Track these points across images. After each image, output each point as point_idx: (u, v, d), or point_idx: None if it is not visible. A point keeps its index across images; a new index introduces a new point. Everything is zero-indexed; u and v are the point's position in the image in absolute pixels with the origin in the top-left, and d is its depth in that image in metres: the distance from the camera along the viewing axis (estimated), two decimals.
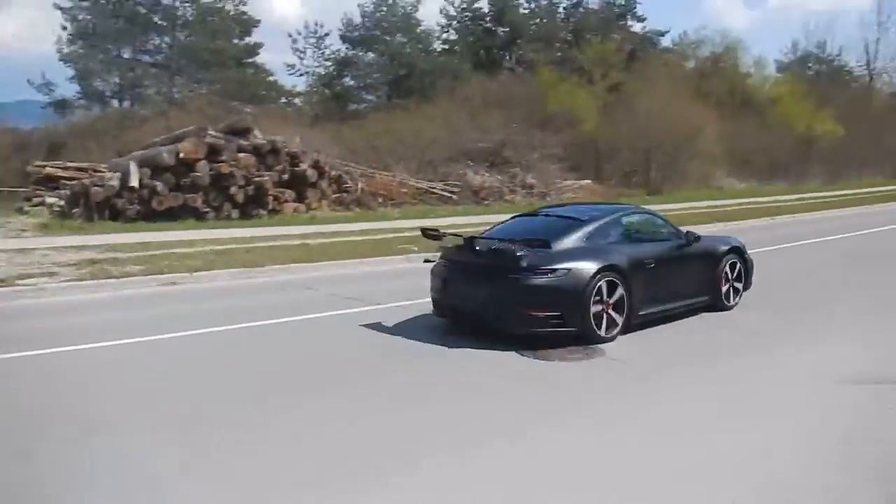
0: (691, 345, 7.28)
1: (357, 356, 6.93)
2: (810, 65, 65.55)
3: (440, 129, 29.99)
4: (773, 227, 20.60)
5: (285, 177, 21.24)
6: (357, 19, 46.25)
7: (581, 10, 54.26)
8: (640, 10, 54.74)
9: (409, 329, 7.84)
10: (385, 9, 46.40)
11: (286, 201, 21.12)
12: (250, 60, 42.70)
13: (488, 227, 9.16)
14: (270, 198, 20.48)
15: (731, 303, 8.77)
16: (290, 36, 46.89)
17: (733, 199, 30.61)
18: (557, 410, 5.27)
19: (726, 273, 8.68)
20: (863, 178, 49.15)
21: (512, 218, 9.22)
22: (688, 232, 8.57)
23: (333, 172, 23.68)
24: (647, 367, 6.38)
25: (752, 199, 30.20)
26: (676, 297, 8.07)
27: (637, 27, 54.78)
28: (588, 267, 6.90)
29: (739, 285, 8.89)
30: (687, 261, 8.30)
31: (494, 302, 6.92)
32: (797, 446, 4.51)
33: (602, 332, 6.98)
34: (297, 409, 5.31)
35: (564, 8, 55.09)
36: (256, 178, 20.21)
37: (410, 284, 10.26)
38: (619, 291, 7.09)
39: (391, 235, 16.15)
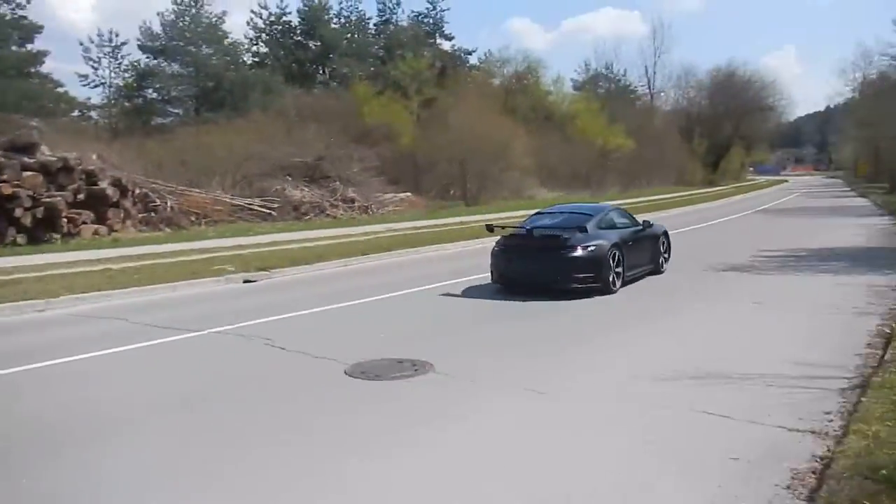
0: (510, 362, 7.19)
1: (169, 391, 6.08)
2: (601, 84, 71.68)
3: (255, 144, 28.64)
4: None
5: (81, 196, 19.00)
6: (157, 28, 43.26)
7: (391, 26, 55.05)
8: (447, 30, 56.83)
9: (232, 356, 7.23)
10: (188, 19, 43.81)
11: (84, 223, 18.87)
12: (34, 70, 38.20)
13: (523, 220, 12.49)
14: (65, 220, 18.20)
15: (663, 269, 12.34)
16: (82, 44, 43.04)
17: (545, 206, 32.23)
18: (396, 428, 4.91)
19: (660, 248, 12.36)
20: (653, 187, 54.48)
21: (535, 214, 12.45)
22: (644, 220, 12.13)
23: (138, 190, 21.65)
24: (470, 381, 6.18)
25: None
26: (640, 265, 11.48)
27: (446, 45, 56.78)
28: (606, 244, 10.22)
29: (667, 256, 12.69)
30: (644, 240, 11.73)
31: (552, 269, 10.05)
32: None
33: (614, 288, 10.19)
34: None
35: (375, 24, 55.70)
36: (46, 199, 17.87)
37: (229, 307, 9.48)
38: (620, 260, 10.34)
39: (207, 256, 14.94)
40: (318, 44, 50.12)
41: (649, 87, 75.85)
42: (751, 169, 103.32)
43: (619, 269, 10.36)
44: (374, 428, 4.95)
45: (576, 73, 72.90)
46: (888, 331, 7.16)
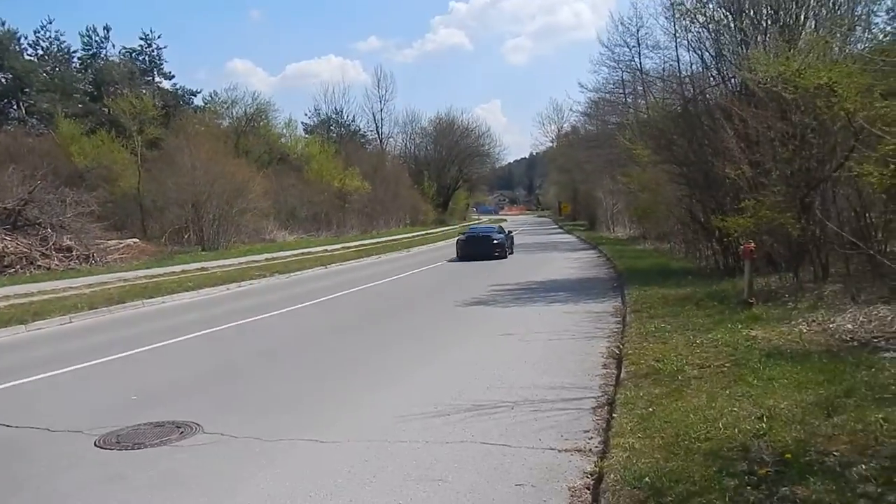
0: (277, 413, 6.95)
1: None
2: (332, 128, 73.06)
3: None
4: (329, 275, 21.92)
5: None
6: None
7: (100, 61, 50.57)
8: (166, 68, 53.81)
9: None
10: None
11: None
12: None
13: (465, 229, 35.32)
14: None
15: (509, 256, 26.36)
16: None
17: (287, 250, 31.72)
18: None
19: (512, 242, 28.56)
20: (390, 227, 56.65)
21: (470, 229, 31.77)
22: (508, 230, 31.19)
23: None
24: (244, 438, 5.83)
25: (304, 250, 31.74)
26: (509, 251, 26.81)
27: (166, 84, 53.68)
28: (504, 238, 26.84)
29: (511, 248, 27.78)
30: (506, 237, 27.48)
31: (486, 249, 25.43)
32: None
33: (509, 255, 26.26)
34: None
35: (80, 58, 50.74)
36: None
37: None
38: (510, 244, 27.68)
39: None
40: (9, 76, 44.17)
41: (378, 132, 79.15)
42: (474, 209, 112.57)
43: (509, 249, 26.54)
44: None
45: (306, 117, 73.50)
46: (617, 351, 8.18)
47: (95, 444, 5.54)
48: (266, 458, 5.12)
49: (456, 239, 27.81)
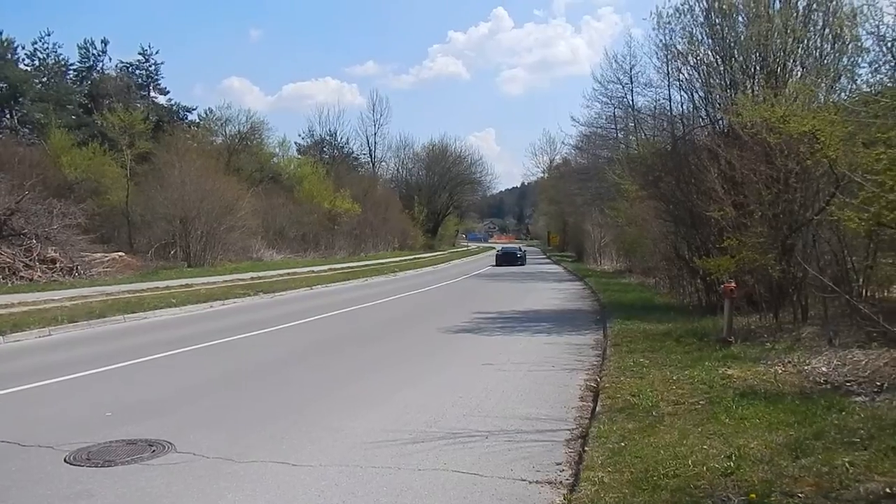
0: (252, 433, 6.93)
1: None
2: (325, 149, 73.40)
3: None
4: (314, 297, 21.89)
5: None
6: None
7: (96, 74, 50.73)
8: (162, 83, 54.00)
9: None
10: None
11: None
12: None
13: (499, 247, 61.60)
14: None
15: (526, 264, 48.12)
16: None
17: (274, 269, 31.70)
18: None
19: (524, 255, 50.96)
20: (378, 251, 56.69)
21: (501, 248, 56.37)
22: (524, 249, 56.32)
23: None
24: (215, 459, 5.81)
25: (290, 270, 31.72)
26: (523, 261, 48.99)
27: (161, 99, 53.85)
28: (523, 254, 50.80)
29: (524, 260, 49.80)
30: (523, 253, 51.61)
31: (514, 259, 47.19)
32: None
33: (525, 264, 48.40)
34: None
35: (76, 70, 50.86)
36: None
37: None
38: (524, 256, 50.70)
39: None
40: (3, 85, 44.15)
41: (371, 156, 79.60)
42: (464, 236, 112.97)
43: (523, 261, 48.26)
44: None
45: (300, 138, 73.83)
46: (594, 385, 8.23)
47: (65, 460, 5.50)
48: (236, 480, 5.10)
49: (496, 251, 55.16)
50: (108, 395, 8.07)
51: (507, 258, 46.93)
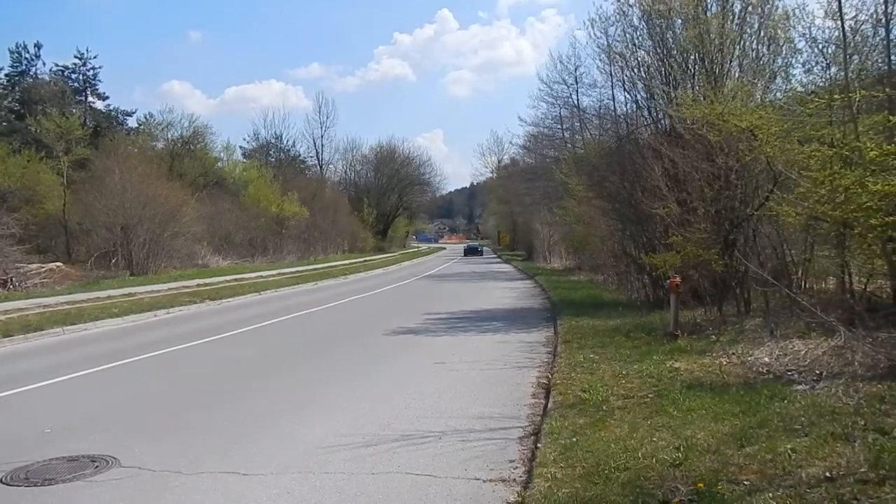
0: (200, 444, 6.77)
1: None
2: (271, 153, 72.31)
3: None
4: (262, 302, 21.54)
5: None
6: None
7: (29, 79, 48.88)
8: (100, 88, 52.29)
9: None
10: None
11: None
12: None
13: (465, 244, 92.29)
14: None
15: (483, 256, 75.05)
16: None
17: (221, 276, 31.05)
18: None
19: (483, 250, 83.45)
20: (328, 254, 56.14)
21: (466, 245, 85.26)
22: (482, 246, 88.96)
23: None
24: (163, 472, 5.62)
25: (238, 276, 31.10)
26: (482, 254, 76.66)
27: (100, 104, 52.16)
28: (482, 248, 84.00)
29: (483, 253, 79.08)
30: (482, 248, 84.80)
31: (476, 252, 74.80)
32: None
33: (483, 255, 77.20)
34: None
35: (7, 75, 48.91)
36: None
37: None
38: (483, 251, 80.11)
39: None
40: None
41: (318, 159, 78.86)
42: (414, 237, 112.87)
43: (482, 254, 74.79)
44: None
45: (245, 142, 72.58)
46: (546, 381, 8.30)
47: (2, 481, 5.26)
48: (185, 493, 4.96)
49: (463, 247, 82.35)
50: (47, 411, 7.76)
51: (471, 251, 75.20)
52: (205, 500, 4.83)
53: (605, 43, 19.68)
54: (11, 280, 24.33)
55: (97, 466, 5.51)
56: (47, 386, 9.07)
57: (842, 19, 9.76)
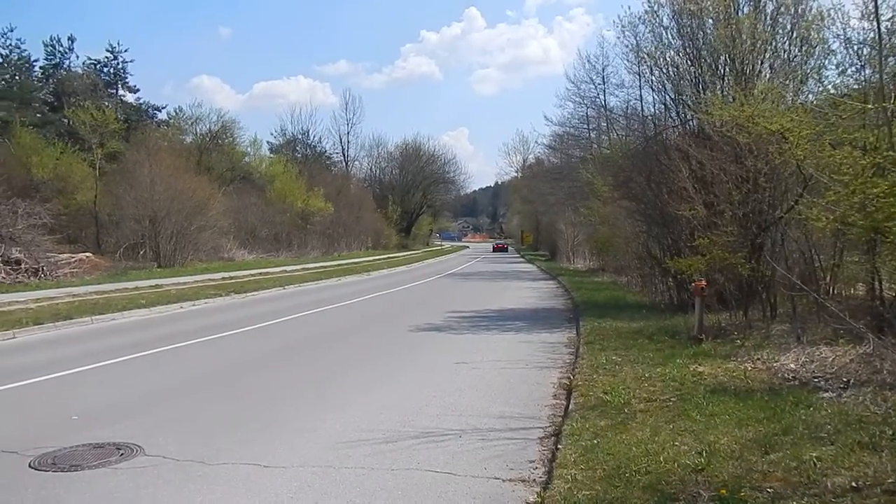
0: (224, 436, 6.82)
1: None
2: (298, 148, 72.85)
3: None
4: (286, 297, 21.70)
5: None
6: None
7: (63, 71, 49.73)
8: (131, 81, 53.12)
9: None
10: None
11: None
12: None
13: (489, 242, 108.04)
14: None
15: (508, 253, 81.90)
16: None
17: (246, 270, 31.34)
18: None
19: (508, 248, 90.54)
20: (352, 250, 56.41)
21: (495, 244, 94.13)
22: (508, 245, 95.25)
23: None
24: (186, 462, 5.68)
25: (263, 270, 31.41)
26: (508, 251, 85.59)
27: (130, 98, 52.98)
28: (508, 247, 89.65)
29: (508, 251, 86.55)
30: (508, 247, 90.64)
31: (503, 250, 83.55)
32: None
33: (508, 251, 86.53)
34: None
35: (42, 68, 49.85)
36: None
37: None
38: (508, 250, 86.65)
39: None
40: None
41: (344, 155, 79.28)
42: (437, 235, 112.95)
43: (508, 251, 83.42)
44: None
45: (272, 137, 73.19)
46: (567, 382, 8.26)
47: (30, 466, 5.37)
48: (207, 482, 5.03)
49: (492, 245, 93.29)
50: (75, 398, 7.91)
51: (500, 249, 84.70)
52: (226, 490, 4.89)
53: (634, 42, 19.46)
54: (42, 269, 24.77)
55: (122, 454, 5.60)
56: (76, 374, 9.24)
57: (878, 20, 9.54)
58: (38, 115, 45.19)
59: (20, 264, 24.05)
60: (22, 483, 5.05)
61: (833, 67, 12.94)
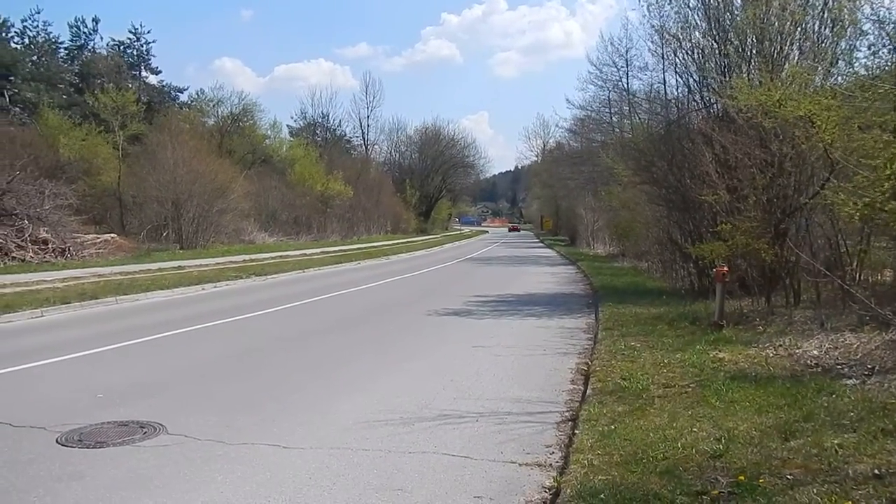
0: (245, 416, 6.92)
1: None
2: (318, 132, 72.97)
3: None
4: (306, 280, 21.85)
5: None
6: None
7: (87, 53, 50.18)
8: (154, 63, 53.49)
9: None
10: None
11: None
12: None
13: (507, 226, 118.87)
14: None
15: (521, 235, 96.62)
16: None
17: (266, 252, 31.61)
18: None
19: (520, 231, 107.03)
20: (371, 234, 56.57)
21: (510, 226, 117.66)
22: (520, 229, 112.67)
23: None
24: (207, 441, 5.80)
25: (283, 253, 31.63)
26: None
27: (153, 79, 53.37)
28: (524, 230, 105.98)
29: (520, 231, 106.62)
30: (520, 230, 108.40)
31: (517, 231, 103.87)
32: None
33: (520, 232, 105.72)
34: None
35: (67, 49, 50.32)
36: None
37: None
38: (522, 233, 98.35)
39: None
40: None
41: (363, 139, 79.27)
42: (456, 220, 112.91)
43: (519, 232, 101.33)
44: None
45: (292, 120, 73.35)
46: (585, 368, 8.25)
47: (57, 441, 5.48)
48: (227, 462, 5.10)
49: (507, 227, 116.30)
50: (100, 376, 8.04)
51: (514, 229, 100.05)
52: (246, 470, 4.95)
53: (659, 23, 19.16)
54: (69, 249, 25.15)
55: (146, 432, 5.70)
56: (101, 353, 9.39)
57: None
58: (65, 96, 45.69)
59: (47, 244, 24.44)
60: (49, 458, 5.16)
61: (864, 49, 12.64)
